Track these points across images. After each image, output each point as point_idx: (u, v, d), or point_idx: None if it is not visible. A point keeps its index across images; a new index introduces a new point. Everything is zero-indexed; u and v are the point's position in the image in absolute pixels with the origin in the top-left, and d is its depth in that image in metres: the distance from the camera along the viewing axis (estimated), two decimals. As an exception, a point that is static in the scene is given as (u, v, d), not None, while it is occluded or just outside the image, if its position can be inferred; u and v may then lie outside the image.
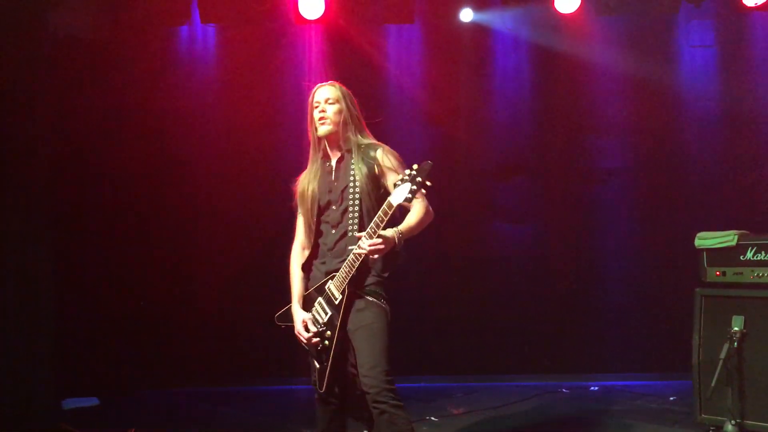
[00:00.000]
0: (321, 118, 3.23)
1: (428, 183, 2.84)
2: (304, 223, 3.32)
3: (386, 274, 3.16)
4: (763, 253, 4.07)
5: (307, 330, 3.19)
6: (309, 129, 3.31)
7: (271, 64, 6.03)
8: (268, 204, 5.81)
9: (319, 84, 3.32)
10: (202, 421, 4.95)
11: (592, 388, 5.66)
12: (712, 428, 4.07)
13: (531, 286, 6.06)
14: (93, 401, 5.37)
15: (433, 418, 4.72)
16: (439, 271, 5.87)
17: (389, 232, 2.99)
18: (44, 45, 4.91)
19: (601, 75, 6.02)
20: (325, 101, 3.24)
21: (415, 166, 2.85)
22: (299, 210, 3.36)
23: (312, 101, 3.28)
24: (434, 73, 6.08)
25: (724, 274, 4.20)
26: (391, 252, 3.05)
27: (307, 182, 3.30)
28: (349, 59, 5.90)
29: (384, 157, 3.18)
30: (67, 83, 5.38)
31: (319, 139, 3.28)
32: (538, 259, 6.09)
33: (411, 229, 3.08)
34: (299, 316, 3.24)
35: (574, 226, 6.08)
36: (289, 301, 3.37)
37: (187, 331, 5.90)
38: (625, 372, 5.89)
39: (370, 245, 2.94)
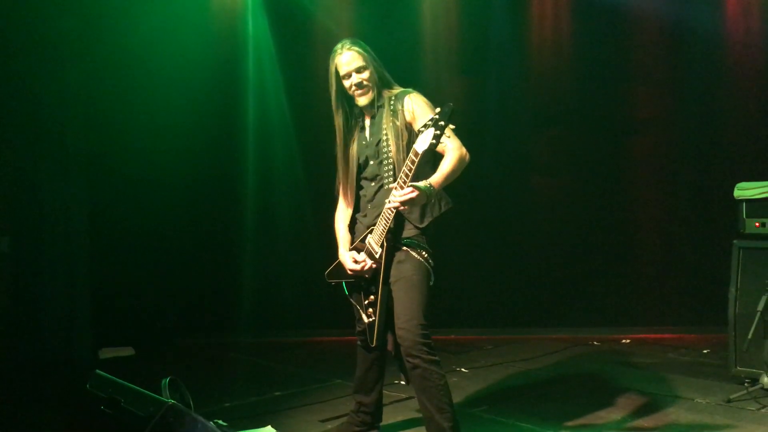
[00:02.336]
0: (360, 90, 3.16)
1: (452, 126, 2.79)
2: (343, 183, 3.33)
3: (424, 225, 3.13)
4: (805, 203, 3.97)
5: (357, 263, 3.16)
6: (332, 91, 3.22)
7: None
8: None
9: (340, 48, 3.18)
10: (236, 371, 5.04)
11: (624, 340, 5.63)
12: (747, 381, 4.02)
13: (564, 239, 6.01)
14: (129, 350, 5.48)
15: (463, 369, 4.74)
16: (470, 223, 5.83)
17: (421, 184, 2.95)
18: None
19: (640, 21, 5.83)
20: (356, 71, 3.15)
21: (437, 110, 2.81)
22: (339, 171, 3.35)
23: (337, 70, 3.17)
24: (467, 19, 5.95)
25: (764, 225, 4.11)
26: (427, 202, 3.03)
27: (340, 143, 3.28)
28: (382, 5, 5.79)
29: (412, 103, 3.14)
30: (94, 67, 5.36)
31: (353, 104, 3.23)
32: (573, 211, 6.01)
33: (445, 177, 3.02)
34: (347, 255, 3.23)
35: (609, 178, 5.98)
36: (333, 257, 3.35)
37: (222, 282, 5.99)
38: (657, 325, 5.84)
39: (399, 196, 2.90)
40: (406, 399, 4.03)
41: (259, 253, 6.01)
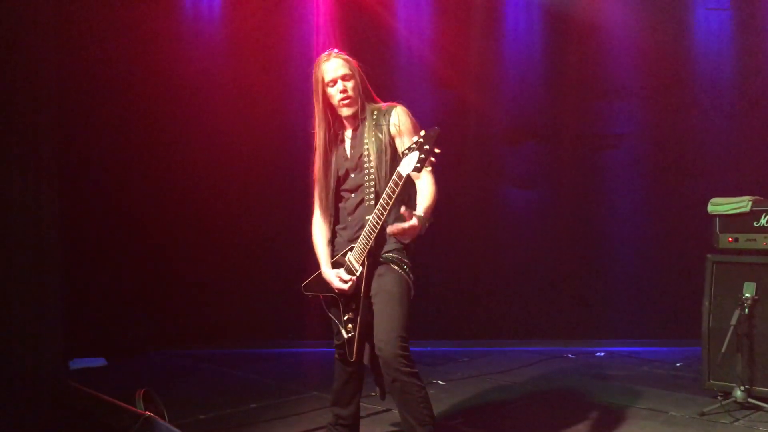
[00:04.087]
0: (345, 99, 3.13)
1: (437, 150, 2.75)
2: (324, 196, 3.27)
3: (407, 241, 3.12)
4: (777, 219, 4.03)
5: (344, 281, 3.13)
6: (316, 102, 3.18)
7: (279, 26, 5.93)
8: (276, 167, 5.86)
9: (326, 56, 3.16)
10: (210, 383, 4.98)
11: (598, 353, 5.67)
12: (720, 394, 4.07)
13: (539, 251, 6.04)
14: (100, 362, 5.39)
15: (439, 382, 4.73)
16: (446, 236, 5.84)
17: (420, 215, 2.95)
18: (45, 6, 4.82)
19: (613, 38, 5.91)
20: (342, 78, 3.12)
21: (422, 133, 2.79)
22: (317, 183, 3.30)
23: (322, 76, 3.14)
24: (444, 35, 5.99)
25: (736, 240, 4.17)
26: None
27: (321, 155, 3.23)
28: (358, 20, 5.80)
29: (399, 118, 3.13)
30: (68, 44, 5.28)
31: (337, 115, 3.20)
32: (548, 225, 6.05)
33: (430, 210, 3.03)
34: (332, 273, 3.18)
35: (584, 192, 6.03)
36: (308, 269, 3.34)
37: (195, 292, 5.91)
38: (631, 338, 5.89)
39: (402, 230, 2.88)
40: (384, 411, 4.01)
41: (234, 263, 5.95)
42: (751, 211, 4.12)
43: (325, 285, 3.23)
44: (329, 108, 3.19)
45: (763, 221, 4.08)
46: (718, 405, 3.94)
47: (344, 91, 3.12)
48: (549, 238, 6.05)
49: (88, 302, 5.53)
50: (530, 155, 6.05)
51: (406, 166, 2.80)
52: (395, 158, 3.08)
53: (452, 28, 5.99)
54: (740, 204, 4.16)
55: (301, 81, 5.81)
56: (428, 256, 5.67)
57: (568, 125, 5.99)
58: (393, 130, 3.12)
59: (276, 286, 5.76)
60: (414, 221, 2.88)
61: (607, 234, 6.06)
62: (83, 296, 5.48)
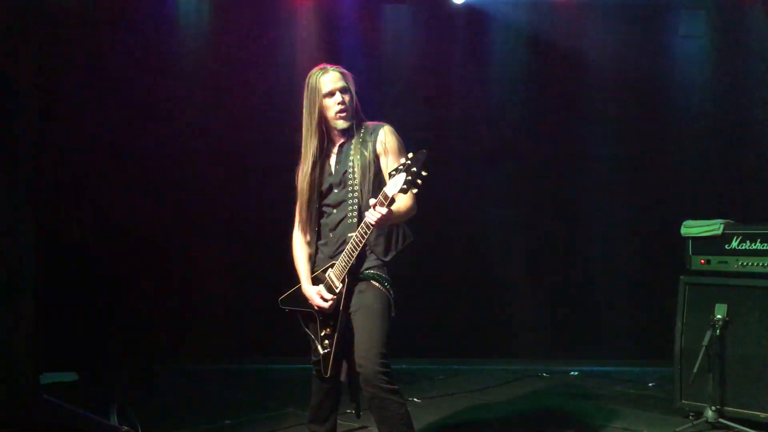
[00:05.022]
0: (342, 111, 3.13)
1: (424, 173, 2.76)
2: (306, 210, 3.25)
3: (387, 258, 3.14)
4: (748, 242, 4.11)
5: (324, 299, 3.12)
6: (310, 114, 3.15)
7: (264, 41, 5.95)
8: (257, 181, 5.86)
9: (323, 69, 3.16)
10: (184, 399, 4.93)
11: (573, 373, 5.71)
12: (692, 414, 4.12)
13: (515, 271, 6.09)
14: (72, 376, 5.31)
15: (415, 399, 4.73)
16: (423, 253, 5.86)
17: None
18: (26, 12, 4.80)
19: (592, 62, 6.02)
20: (340, 91, 3.13)
21: (410, 155, 2.79)
22: (299, 197, 3.29)
23: (320, 88, 3.12)
24: (428, 53, 6.06)
25: (708, 262, 4.24)
26: (389, 235, 3.07)
27: (308, 169, 3.20)
28: (341, 38, 5.86)
29: (385, 138, 3.15)
30: (49, 48, 5.27)
31: (329, 126, 3.19)
32: (525, 245, 6.11)
33: (401, 213, 3.02)
34: (313, 290, 3.18)
35: (561, 212, 6.10)
36: (285, 284, 3.34)
37: (169, 307, 5.86)
38: (605, 358, 5.94)
39: (375, 218, 2.86)
40: (360, 429, 4.00)
41: (209, 278, 5.92)
42: (722, 234, 4.19)
43: (304, 300, 3.22)
44: (323, 120, 3.18)
45: (734, 244, 4.16)
46: (689, 425, 3.99)
47: (342, 103, 3.13)
48: (525, 257, 6.11)
49: (60, 315, 5.45)
50: (510, 175, 6.11)
51: (392, 187, 2.80)
52: (378, 176, 3.10)
53: (436, 48, 6.06)
54: (712, 227, 4.24)
55: (284, 93, 5.90)
56: (405, 272, 5.69)
57: (547, 146, 6.07)
58: (379, 148, 3.14)
59: (251, 302, 5.73)
60: (385, 211, 2.85)
61: (582, 255, 6.13)
62: (55, 310, 5.41)
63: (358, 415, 3.30)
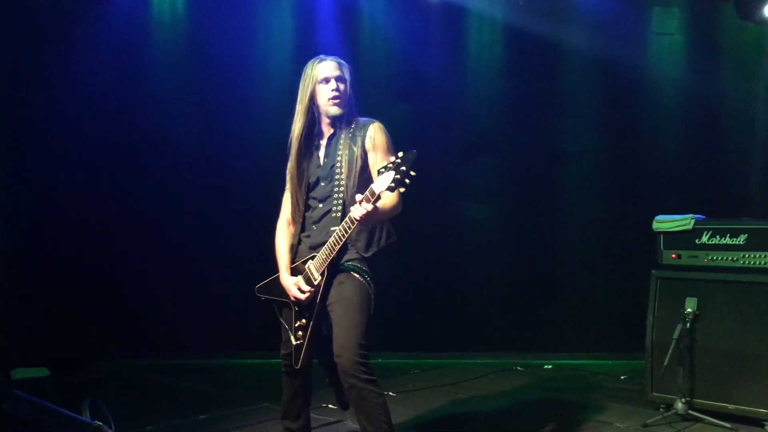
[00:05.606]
0: (336, 98, 3.13)
1: (412, 173, 2.77)
2: (292, 200, 3.26)
3: (368, 254, 3.14)
4: (718, 237, 4.19)
5: (302, 291, 3.12)
6: (301, 101, 3.16)
7: (240, 35, 5.90)
8: (235, 173, 5.84)
9: (324, 57, 3.18)
10: (157, 394, 4.89)
11: (546, 366, 5.76)
12: (662, 406, 4.18)
13: (491, 266, 6.12)
14: (43, 371, 5.25)
15: (391, 393, 4.75)
16: (399, 247, 5.86)
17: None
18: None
19: (569, 59, 6.06)
20: (336, 79, 3.14)
21: (400, 154, 2.80)
22: (288, 186, 3.30)
23: (315, 74, 3.13)
24: (405, 48, 6.05)
25: (679, 257, 4.31)
26: (372, 231, 3.08)
27: (297, 159, 3.20)
28: (319, 30, 5.83)
29: (375, 133, 3.15)
30: (17, 41, 5.19)
31: (320, 115, 3.18)
32: (499, 239, 6.15)
33: (386, 210, 3.04)
34: (290, 281, 3.17)
35: (536, 207, 6.14)
36: (261, 274, 3.33)
37: (141, 302, 5.80)
38: (578, 351, 6.01)
39: (361, 213, 2.87)
40: (335, 423, 4.01)
41: (182, 272, 5.87)
42: (693, 228, 4.26)
43: (281, 290, 3.22)
44: (315, 107, 3.17)
45: (704, 239, 4.23)
46: (660, 417, 4.05)
47: (336, 90, 3.13)
48: (500, 252, 6.15)
49: (31, 311, 5.38)
50: (486, 170, 6.14)
51: (380, 184, 2.80)
52: (365, 172, 3.11)
53: (413, 42, 6.06)
54: (683, 222, 4.30)
55: (260, 87, 5.89)
56: (381, 267, 5.71)
57: (523, 142, 6.10)
58: (368, 144, 3.14)
59: (225, 297, 5.70)
60: (371, 207, 2.86)
61: (556, 249, 6.19)
62: (26, 304, 5.34)
63: (345, 407, 3.29)
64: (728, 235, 4.16)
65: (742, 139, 6.01)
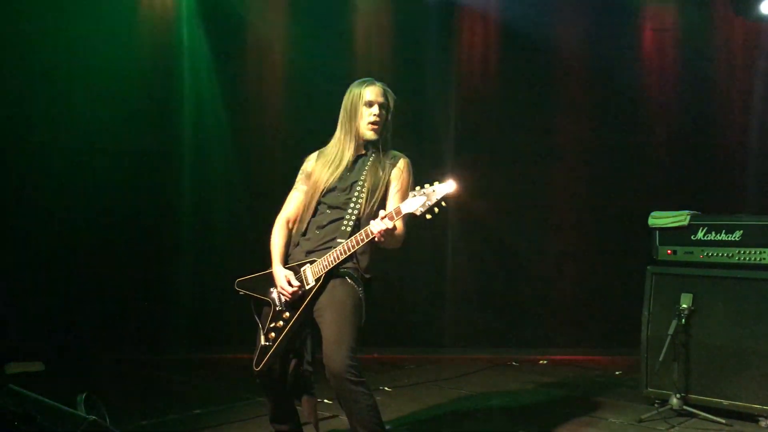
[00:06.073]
0: (374, 123, 3.19)
1: (443, 204, 2.83)
2: (303, 201, 3.27)
3: (368, 276, 3.16)
4: (713, 233, 4.19)
5: (290, 284, 3.10)
6: (348, 117, 3.21)
7: (232, 30, 5.90)
8: (233, 170, 5.90)
9: (369, 80, 3.24)
10: (152, 388, 4.88)
11: (541, 361, 5.77)
12: (657, 401, 4.20)
13: (484, 261, 6.13)
14: (38, 365, 5.22)
15: (386, 388, 4.75)
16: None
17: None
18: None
19: (563, 54, 6.07)
20: (380, 106, 3.19)
21: (436, 183, 2.85)
22: (299, 185, 3.31)
23: (363, 95, 3.19)
24: (399, 44, 6.06)
25: (675, 252, 4.32)
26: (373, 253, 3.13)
27: (322, 164, 3.24)
28: (314, 29, 5.82)
29: (403, 167, 3.23)
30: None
31: (356, 134, 3.21)
32: (492, 235, 6.15)
33: (394, 237, 3.07)
34: (282, 272, 3.15)
35: (528, 202, 6.15)
36: (251, 270, 3.31)
37: (137, 296, 5.78)
38: (573, 347, 6.02)
39: (379, 227, 2.91)
40: (331, 417, 4.01)
41: (177, 267, 5.86)
42: (689, 224, 4.27)
43: (262, 287, 3.21)
44: (353, 125, 3.21)
45: (700, 235, 4.24)
46: (655, 412, 4.07)
47: (378, 115, 3.19)
48: (494, 247, 6.15)
49: (27, 305, 5.36)
50: (477, 166, 6.13)
51: (409, 206, 2.86)
52: (384, 199, 3.16)
53: (407, 37, 6.05)
54: (679, 218, 4.31)
55: (255, 81, 5.89)
56: (374, 263, 5.71)
57: (516, 137, 6.11)
58: (394, 173, 3.20)
59: (221, 292, 5.68)
60: (391, 225, 2.91)
61: (551, 245, 6.20)
62: (20, 298, 5.32)
63: (308, 421, 3.29)
64: (724, 231, 4.16)
65: (737, 136, 6.02)
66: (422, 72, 6.09)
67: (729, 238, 4.14)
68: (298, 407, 3.30)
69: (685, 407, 4.02)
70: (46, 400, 2.40)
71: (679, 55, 6.11)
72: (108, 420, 3.14)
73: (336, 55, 5.77)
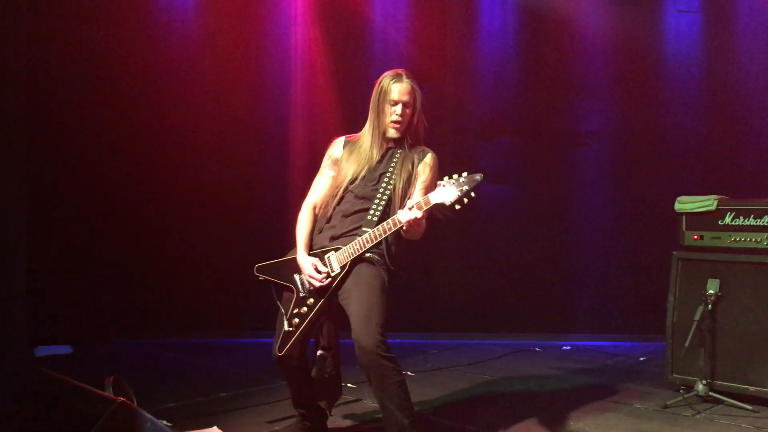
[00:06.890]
0: (397, 122, 3.22)
1: (473, 194, 2.87)
2: (330, 187, 3.29)
3: (393, 268, 3.17)
4: (741, 218, 4.14)
5: (318, 272, 3.13)
6: (379, 111, 3.23)
7: (256, 15, 5.89)
8: (248, 154, 5.89)
9: (399, 76, 3.23)
10: (179, 372, 4.94)
11: (565, 347, 5.76)
12: (682, 387, 4.17)
13: (509, 246, 6.10)
14: (66, 349, 5.32)
15: (409, 373, 4.77)
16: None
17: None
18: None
19: (587, 37, 5.99)
20: (404, 105, 3.21)
21: (465, 174, 2.87)
22: (326, 171, 3.34)
23: (389, 92, 3.20)
24: (421, 28, 6.02)
25: (701, 238, 4.27)
26: (402, 244, 3.15)
27: (350, 153, 3.27)
28: (335, 12, 5.81)
29: (430, 161, 3.25)
30: (39, 33, 5.20)
31: (382, 128, 3.24)
32: (517, 220, 6.12)
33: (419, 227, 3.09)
34: (308, 260, 3.17)
35: (554, 187, 6.11)
36: (272, 254, 3.34)
37: (163, 280, 5.85)
38: (597, 332, 5.99)
39: (408, 216, 2.94)
40: (353, 401, 4.03)
41: (204, 251, 5.91)
42: (716, 209, 4.22)
43: (284, 273, 3.22)
44: (379, 118, 3.24)
45: (727, 220, 4.19)
46: (680, 398, 4.04)
47: (400, 115, 3.21)
48: (518, 232, 6.11)
49: (54, 289, 5.45)
50: (502, 150, 6.11)
51: (438, 196, 2.88)
52: (408, 193, 3.19)
53: (428, 22, 6.01)
54: (706, 202, 4.26)
55: (277, 73, 5.89)
56: (403, 253, 5.72)
57: (541, 121, 6.06)
58: (421, 167, 3.22)
59: (247, 275, 5.71)
60: (420, 214, 2.93)
61: (576, 230, 6.15)
62: (49, 283, 5.40)
63: (329, 413, 3.32)
64: (752, 216, 4.11)
65: (766, 119, 5.91)
66: (444, 52, 6.02)
67: (757, 223, 4.08)
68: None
69: (710, 393, 3.99)
70: (76, 382, 2.44)
71: (706, 36, 5.99)
72: (135, 401, 3.19)
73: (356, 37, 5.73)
